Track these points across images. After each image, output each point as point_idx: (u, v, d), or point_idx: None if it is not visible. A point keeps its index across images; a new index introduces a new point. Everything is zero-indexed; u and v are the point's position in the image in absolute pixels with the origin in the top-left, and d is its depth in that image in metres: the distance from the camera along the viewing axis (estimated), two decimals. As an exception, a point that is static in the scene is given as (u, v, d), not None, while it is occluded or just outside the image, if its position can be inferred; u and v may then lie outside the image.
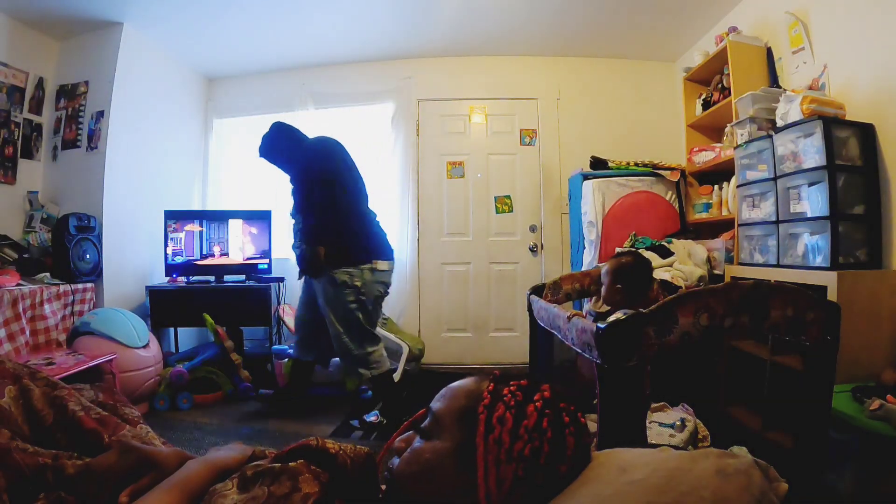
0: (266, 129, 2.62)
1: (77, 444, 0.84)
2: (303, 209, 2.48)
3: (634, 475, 0.55)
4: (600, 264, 2.94)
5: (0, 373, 0.87)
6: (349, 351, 2.48)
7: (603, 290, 1.98)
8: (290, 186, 2.58)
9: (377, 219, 2.67)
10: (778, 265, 2.23)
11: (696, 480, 0.52)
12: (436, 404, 0.67)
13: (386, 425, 2.54)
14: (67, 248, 2.80)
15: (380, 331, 3.49)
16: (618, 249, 2.86)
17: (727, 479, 0.51)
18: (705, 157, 3.12)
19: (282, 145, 2.58)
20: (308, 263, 2.44)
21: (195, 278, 3.49)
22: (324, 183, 2.39)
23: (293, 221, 2.59)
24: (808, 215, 2.08)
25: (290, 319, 3.49)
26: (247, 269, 3.55)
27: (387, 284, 2.61)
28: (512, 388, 0.63)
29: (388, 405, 2.58)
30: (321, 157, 2.46)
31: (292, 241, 2.59)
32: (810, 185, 2.06)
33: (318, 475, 0.64)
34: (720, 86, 3.01)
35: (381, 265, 2.52)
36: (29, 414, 0.84)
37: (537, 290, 2.28)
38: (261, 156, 2.63)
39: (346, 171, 2.49)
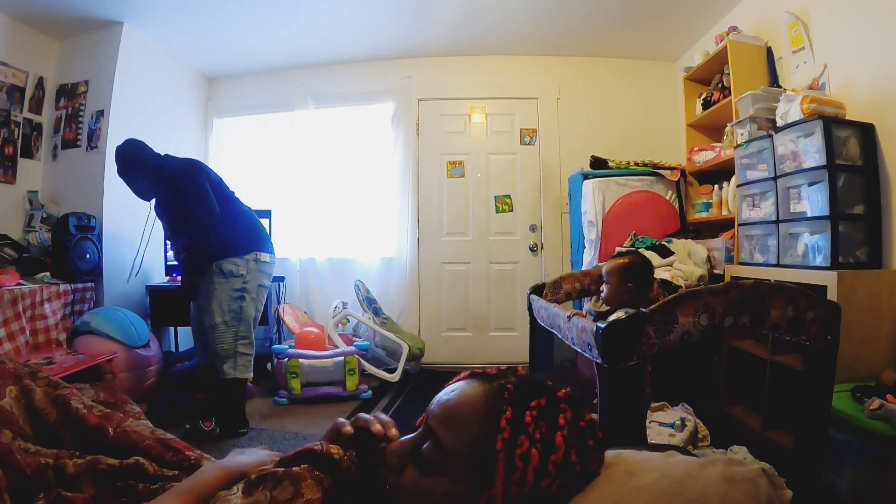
0: (122, 146, 2.55)
1: (80, 440, 0.84)
2: (178, 220, 2.48)
3: (643, 479, 0.55)
4: (600, 264, 2.94)
5: (1, 373, 0.87)
6: (222, 343, 2.44)
7: (607, 289, 1.97)
8: (157, 209, 2.60)
9: (254, 214, 2.73)
10: (778, 265, 2.23)
11: (703, 487, 0.52)
12: (441, 430, 0.58)
13: (218, 434, 2.43)
14: (67, 247, 2.80)
15: (379, 330, 3.51)
16: (618, 249, 2.87)
17: (735, 487, 0.51)
18: (705, 157, 3.12)
19: (144, 165, 2.51)
20: (193, 265, 2.47)
21: (195, 278, 3.48)
22: (192, 187, 2.43)
23: (171, 242, 2.64)
24: (809, 215, 2.08)
25: (290, 319, 3.50)
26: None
27: (270, 277, 2.66)
28: (534, 413, 0.55)
29: (225, 415, 2.48)
30: (186, 169, 2.49)
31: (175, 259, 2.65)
32: (810, 184, 2.06)
33: (321, 481, 0.63)
34: (720, 85, 3.01)
35: (264, 256, 2.58)
36: (31, 414, 0.84)
37: (537, 290, 2.28)
38: (120, 171, 2.54)
39: (207, 177, 2.52)
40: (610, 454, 0.63)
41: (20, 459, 0.72)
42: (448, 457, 0.56)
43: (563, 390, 0.60)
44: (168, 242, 2.62)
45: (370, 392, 3.13)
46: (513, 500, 0.52)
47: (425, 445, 0.59)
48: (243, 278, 2.49)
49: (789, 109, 2.21)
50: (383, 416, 0.71)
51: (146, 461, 0.80)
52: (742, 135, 2.58)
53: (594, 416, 1.30)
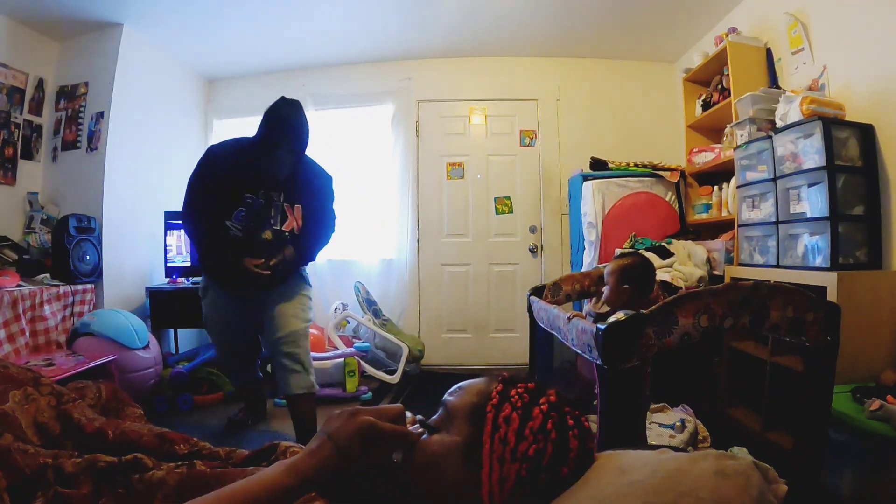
0: (286, 103, 2.09)
1: (82, 447, 0.84)
2: (311, 220, 2.24)
3: (634, 476, 0.56)
4: (600, 265, 2.95)
5: (4, 378, 0.88)
6: (305, 352, 2.21)
7: (607, 290, 1.97)
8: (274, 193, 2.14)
9: None
10: (778, 266, 2.23)
11: (694, 481, 0.52)
12: (449, 398, 0.68)
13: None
14: (67, 249, 2.80)
15: (379, 331, 3.51)
16: (618, 250, 2.87)
17: (726, 480, 0.52)
18: (705, 158, 3.12)
19: (305, 134, 2.15)
20: (294, 267, 2.22)
21: (195, 279, 3.48)
22: (334, 196, 2.38)
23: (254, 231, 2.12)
24: (808, 216, 2.08)
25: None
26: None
27: None
28: (519, 390, 0.64)
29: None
30: (329, 176, 2.37)
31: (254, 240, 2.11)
32: (810, 185, 2.06)
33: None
34: (720, 86, 3.01)
35: None
36: (35, 424, 0.85)
37: (537, 291, 2.28)
38: (284, 123, 2.05)
39: None
40: (603, 454, 0.65)
41: (19, 459, 0.72)
42: (451, 415, 0.65)
43: (560, 391, 0.67)
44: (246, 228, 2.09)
45: (370, 393, 3.13)
46: (496, 456, 0.59)
47: (434, 416, 0.68)
48: (311, 287, 2.38)
49: (789, 110, 2.21)
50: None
51: (144, 456, 0.80)
52: (742, 136, 2.58)
53: (593, 417, 1.30)
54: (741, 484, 0.51)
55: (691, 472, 0.53)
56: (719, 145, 3.01)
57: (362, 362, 3.21)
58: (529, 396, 0.63)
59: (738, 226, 2.56)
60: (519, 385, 0.65)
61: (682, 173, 3.27)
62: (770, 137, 2.26)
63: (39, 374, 0.97)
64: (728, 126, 2.80)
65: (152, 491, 0.71)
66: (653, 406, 2.12)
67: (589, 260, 3.23)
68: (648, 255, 2.77)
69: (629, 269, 1.96)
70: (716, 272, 2.77)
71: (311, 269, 3.94)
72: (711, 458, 0.55)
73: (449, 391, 0.70)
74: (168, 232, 3.44)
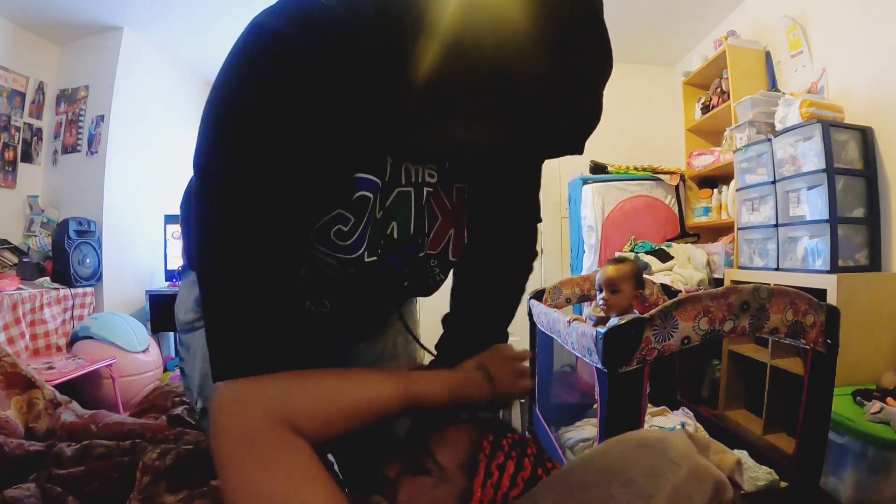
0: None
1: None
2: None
3: (565, 466, 0.59)
4: (601, 268, 2.94)
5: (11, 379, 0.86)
6: None
7: (608, 296, 1.94)
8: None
9: None
10: (777, 269, 2.23)
11: (618, 455, 0.54)
12: (440, 452, 0.65)
13: None
14: (67, 252, 2.80)
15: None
16: (618, 254, 2.87)
17: (645, 450, 0.53)
18: (705, 161, 3.12)
19: None
20: None
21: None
22: None
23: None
24: (808, 219, 2.08)
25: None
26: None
27: None
28: (509, 440, 0.66)
29: None
30: None
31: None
32: (809, 188, 2.07)
33: None
34: (719, 90, 3.02)
35: None
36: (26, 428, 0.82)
37: (537, 295, 2.28)
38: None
39: None
40: None
41: (7, 451, 0.71)
42: (443, 469, 0.63)
43: (528, 438, 0.70)
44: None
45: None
46: (486, 501, 0.58)
47: (425, 460, 0.66)
48: None
49: (788, 113, 2.21)
50: None
51: (140, 440, 0.78)
52: (741, 139, 2.58)
53: (594, 421, 1.30)
54: (659, 450, 0.53)
55: (613, 452, 0.55)
56: (719, 148, 3.01)
57: (362, 365, 3.20)
58: (519, 448, 0.64)
59: (738, 229, 2.56)
60: (508, 434, 0.66)
61: (682, 176, 3.27)
62: (769, 140, 2.27)
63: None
64: (727, 129, 2.80)
65: (147, 472, 0.69)
66: (654, 409, 2.11)
67: (589, 263, 3.23)
68: (648, 258, 2.78)
69: (640, 273, 1.94)
70: (715, 275, 2.77)
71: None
72: (638, 433, 0.58)
73: (437, 439, 0.67)
74: (168, 235, 3.44)
